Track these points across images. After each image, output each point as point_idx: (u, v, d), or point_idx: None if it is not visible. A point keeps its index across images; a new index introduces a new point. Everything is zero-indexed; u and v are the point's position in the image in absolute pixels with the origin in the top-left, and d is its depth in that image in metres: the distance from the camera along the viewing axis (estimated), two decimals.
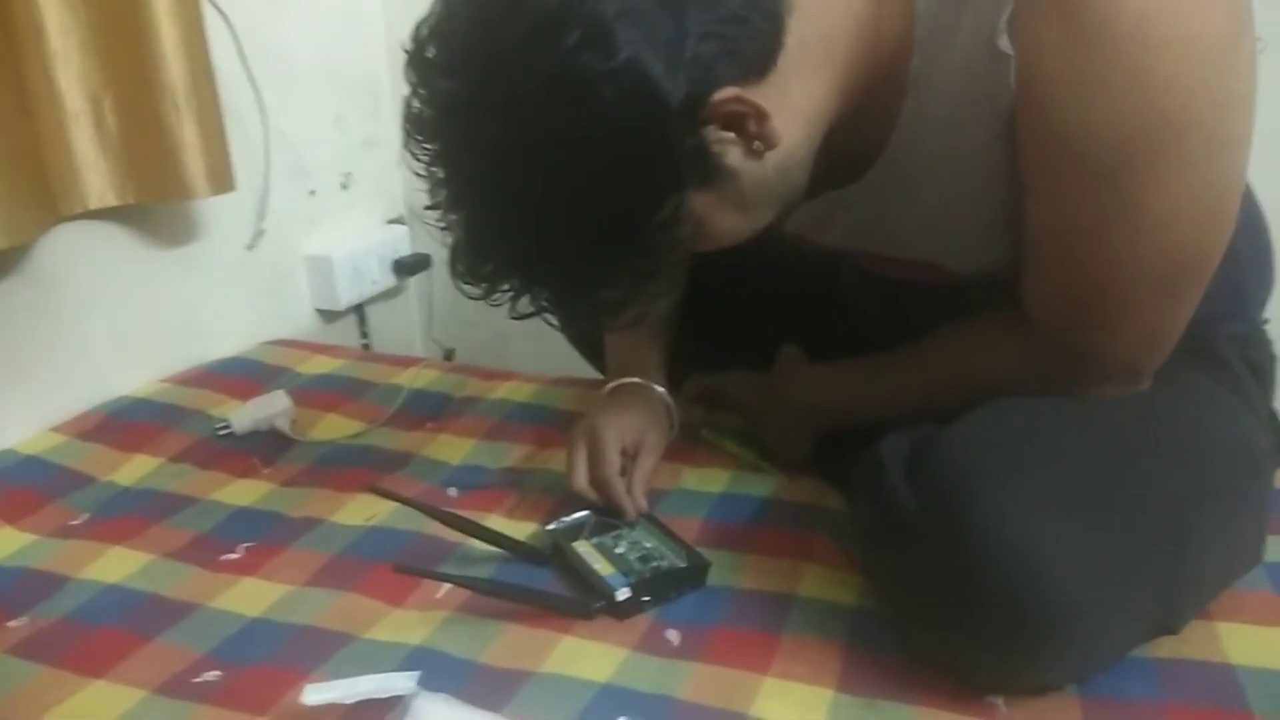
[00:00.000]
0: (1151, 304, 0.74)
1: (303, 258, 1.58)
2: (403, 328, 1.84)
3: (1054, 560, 0.63)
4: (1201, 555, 0.69)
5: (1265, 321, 0.92)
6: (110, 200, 1.18)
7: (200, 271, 1.39)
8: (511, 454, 1.08)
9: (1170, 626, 0.71)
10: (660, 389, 1.02)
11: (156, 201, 1.24)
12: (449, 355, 1.86)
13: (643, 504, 0.92)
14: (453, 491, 1.01)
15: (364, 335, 1.72)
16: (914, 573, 0.69)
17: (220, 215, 1.39)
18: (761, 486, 0.98)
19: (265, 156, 1.44)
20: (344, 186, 1.66)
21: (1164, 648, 0.71)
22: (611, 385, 1.02)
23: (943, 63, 0.71)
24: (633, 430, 0.96)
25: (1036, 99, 0.67)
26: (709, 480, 1.00)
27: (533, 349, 1.91)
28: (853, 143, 0.75)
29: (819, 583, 0.82)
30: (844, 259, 0.94)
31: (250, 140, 1.42)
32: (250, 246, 1.46)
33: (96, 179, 1.16)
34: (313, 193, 1.59)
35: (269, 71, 1.43)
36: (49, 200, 1.12)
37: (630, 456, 0.95)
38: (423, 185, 0.67)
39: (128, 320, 1.28)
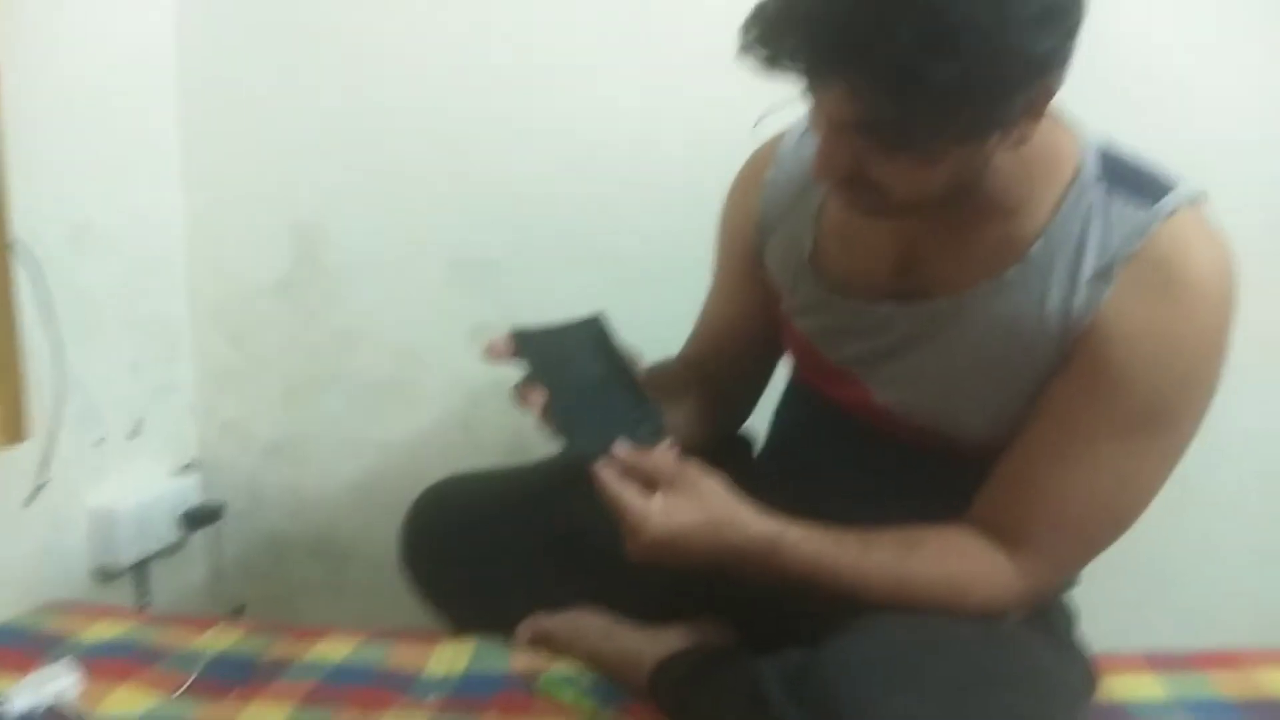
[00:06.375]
0: (1083, 543, 0.88)
1: (85, 511, 1.47)
2: (185, 585, 1.71)
3: None
4: None
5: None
6: None
7: None
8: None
9: None
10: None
11: None
12: (238, 611, 1.73)
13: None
14: None
15: (143, 595, 1.58)
16: None
17: None
18: None
19: (56, 404, 1.36)
20: (133, 435, 1.58)
21: None
22: None
23: (1062, 249, 0.82)
24: None
25: (1113, 337, 0.80)
26: None
27: (328, 603, 1.83)
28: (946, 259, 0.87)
29: None
30: (837, 382, 0.99)
31: (39, 387, 1.33)
32: (28, 503, 1.35)
33: None
34: (101, 441, 1.50)
35: (70, 316, 1.37)
36: None
37: None
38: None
39: None
